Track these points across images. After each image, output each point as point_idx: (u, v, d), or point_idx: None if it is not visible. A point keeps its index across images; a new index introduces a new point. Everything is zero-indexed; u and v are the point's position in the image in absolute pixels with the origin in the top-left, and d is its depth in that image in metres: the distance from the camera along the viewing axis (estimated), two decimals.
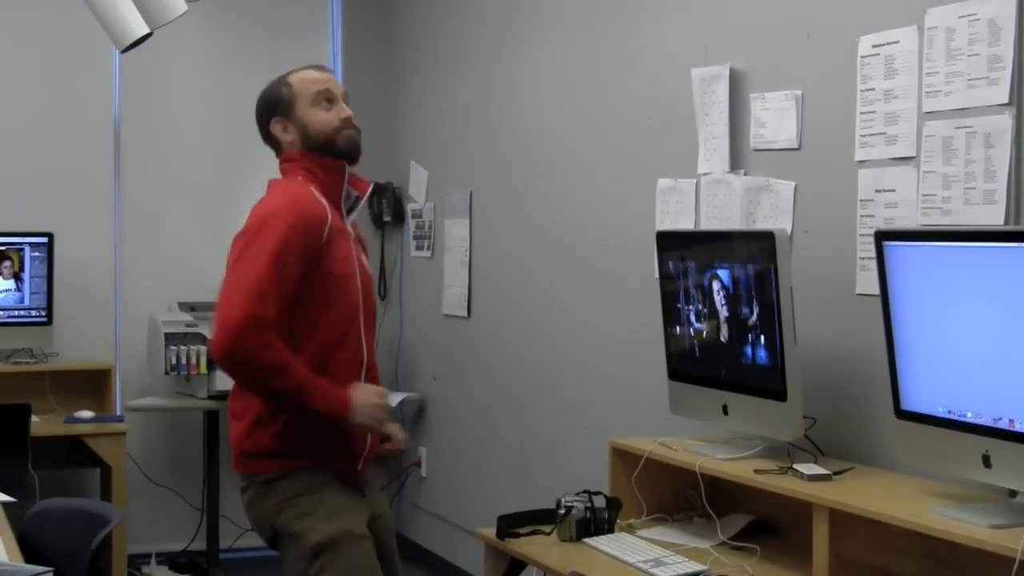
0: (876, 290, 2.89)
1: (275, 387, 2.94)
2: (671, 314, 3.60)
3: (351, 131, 3.12)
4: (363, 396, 2.99)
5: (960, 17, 2.99)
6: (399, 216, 6.28)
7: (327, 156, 3.10)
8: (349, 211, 3.17)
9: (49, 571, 2.75)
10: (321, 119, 3.11)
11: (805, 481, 2.99)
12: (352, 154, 3.14)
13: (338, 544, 2.97)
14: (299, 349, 2.96)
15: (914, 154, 3.12)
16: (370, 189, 3.23)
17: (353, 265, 3.10)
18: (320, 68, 3.21)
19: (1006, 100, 2.88)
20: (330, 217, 3.03)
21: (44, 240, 5.65)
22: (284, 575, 3.12)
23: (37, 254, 5.65)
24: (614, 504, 3.47)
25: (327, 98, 3.12)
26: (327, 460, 3.06)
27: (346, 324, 3.06)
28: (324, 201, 3.05)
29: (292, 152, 3.13)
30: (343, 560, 2.97)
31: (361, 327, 3.09)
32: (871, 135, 3.25)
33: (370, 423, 3.01)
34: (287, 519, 3.05)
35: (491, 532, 3.49)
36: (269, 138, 3.20)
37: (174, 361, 5.54)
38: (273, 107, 3.16)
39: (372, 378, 3.13)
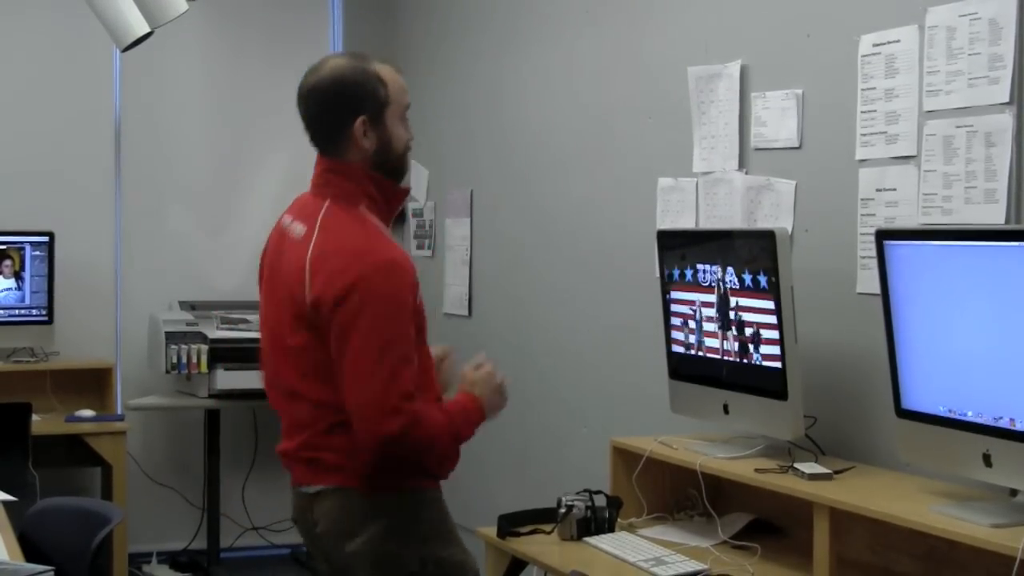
0: (877, 289, 2.89)
1: (437, 455, 2.75)
2: (672, 313, 3.60)
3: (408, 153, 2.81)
4: (480, 388, 2.82)
5: (961, 16, 2.99)
6: (400, 215, 6.26)
7: (390, 179, 2.75)
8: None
9: (50, 570, 2.75)
10: (401, 136, 2.74)
11: (806, 480, 2.99)
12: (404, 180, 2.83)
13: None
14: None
15: (915, 153, 3.12)
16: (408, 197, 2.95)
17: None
18: (400, 71, 2.79)
19: (1007, 99, 2.87)
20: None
21: (45, 239, 5.65)
22: None
23: (38, 253, 5.65)
24: (615, 503, 3.47)
25: (405, 114, 2.78)
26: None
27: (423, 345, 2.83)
28: (392, 238, 2.73)
29: (354, 168, 2.70)
30: None
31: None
32: (872, 134, 3.25)
33: (500, 403, 2.87)
34: (437, 548, 2.76)
35: (492, 531, 3.49)
36: (338, 132, 2.69)
37: (175, 360, 5.53)
38: (363, 102, 2.68)
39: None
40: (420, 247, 6.06)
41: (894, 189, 3.18)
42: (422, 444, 2.64)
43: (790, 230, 3.46)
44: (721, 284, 3.36)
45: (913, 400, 2.79)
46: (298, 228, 2.73)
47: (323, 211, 2.68)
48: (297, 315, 2.65)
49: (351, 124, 2.67)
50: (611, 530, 3.42)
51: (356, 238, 2.63)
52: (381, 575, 2.71)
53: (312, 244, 2.65)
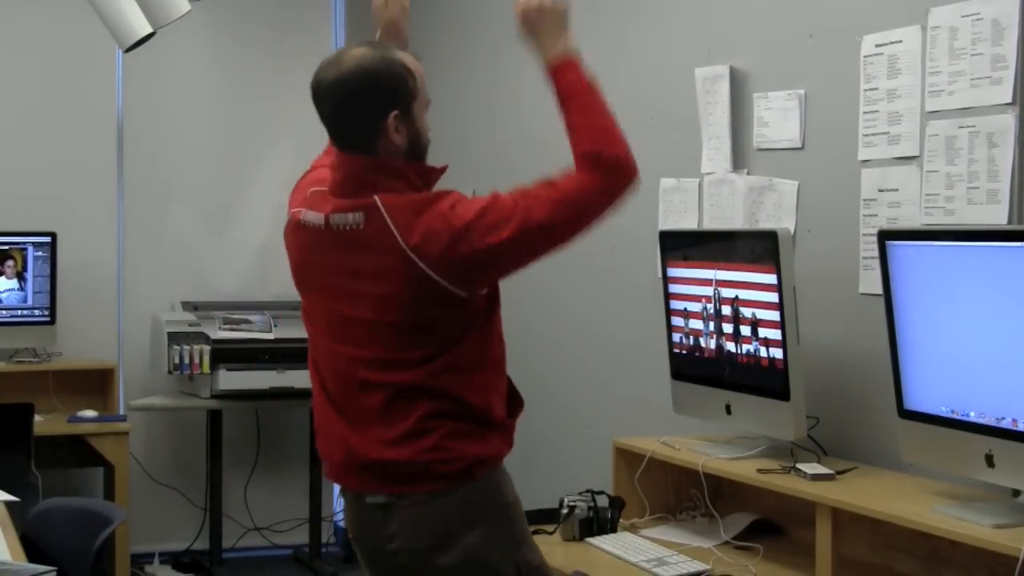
0: (879, 289, 2.89)
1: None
2: (674, 314, 3.60)
3: None
4: (545, 22, 2.69)
5: (963, 17, 2.98)
6: None
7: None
8: None
9: (52, 571, 2.75)
10: (426, 128, 2.64)
11: (808, 480, 2.99)
12: None
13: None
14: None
15: (917, 154, 3.12)
16: None
17: None
18: (420, 59, 2.64)
19: (1009, 100, 2.87)
20: None
21: (47, 240, 5.65)
22: None
23: (40, 254, 5.65)
24: (617, 503, 3.47)
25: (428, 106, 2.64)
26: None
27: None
28: None
29: (398, 164, 2.55)
30: None
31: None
32: (874, 134, 3.24)
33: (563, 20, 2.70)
34: (525, 552, 2.59)
35: None
36: (371, 128, 2.51)
37: (177, 360, 5.54)
38: (395, 97, 2.51)
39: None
40: None
41: (896, 189, 3.18)
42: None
43: (792, 230, 3.46)
44: (723, 285, 3.36)
45: (915, 400, 2.79)
46: (349, 218, 2.53)
47: (379, 199, 2.50)
48: (402, 284, 2.48)
49: (384, 119, 2.50)
50: (613, 530, 3.42)
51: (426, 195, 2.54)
52: None
53: (389, 221, 2.48)
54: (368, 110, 2.51)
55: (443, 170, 2.66)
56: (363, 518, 2.61)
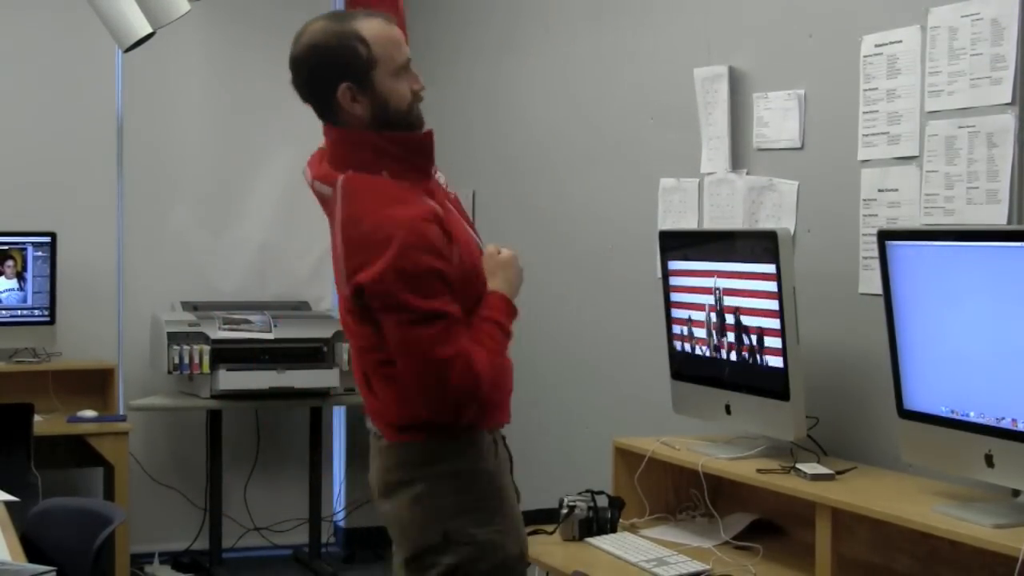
0: (879, 289, 2.89)
1: (502, 367, 2.62)
2: (673, 313, 3.60)
3: (419, 103, 2.61)
4: (502, 277, 2.63)
5: (963, 17, 2.99)
6: None
7: (405, 130, 2.58)
8: None
9: (52, 571, 2.75)
10: (401, 92, 2.55)
11: (808, 480, 2.99)
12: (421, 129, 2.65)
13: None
14: None
15: (917, 154, 3.12)
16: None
17: (463, 226, 2.69)
18: (390, 20, 2.59)
19: (1009, 100, 2.87)
20: (440, 212, 2.53)
21: (47, 240, 5.65)
22: None
23: (40, 254, 5.65)
24: (617, 503, 3.47)
25: (406, 67, 2.56)
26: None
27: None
28: (425, 198, 2.54)
29: (364, 135, 2.55)
30: None
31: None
32: (874, 135, 3.25)
33: (519, 279, 2.68)
34: (466, 524, 2.59)
35: None
36: (326, 102, 2.55)
37: (177, 360, 5.53)
38: (343, 68, 2.50)
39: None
40: None
41: (896, 190, 3.18)
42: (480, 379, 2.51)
43: (792, 230, 3.46)
44: (723, 285, 3.36)
45: (915, 400, 2.79)
46: (326, 189, 2.60)
47: (342, 181, 2.54)
48: None
49: (334, 93, 2.51)
50: (613, 530, 3.42)
51: (378, 206, 2.49)
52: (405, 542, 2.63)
53: (339, 210, 2.53)
54: (318, 86, 2.54)
55: (424, 137, 2.62)
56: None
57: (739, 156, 3.75)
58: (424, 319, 2.45)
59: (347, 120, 2.55)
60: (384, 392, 2.62)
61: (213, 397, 5.61)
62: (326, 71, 2.52)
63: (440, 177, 2.73)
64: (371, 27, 2.53)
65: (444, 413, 2.53)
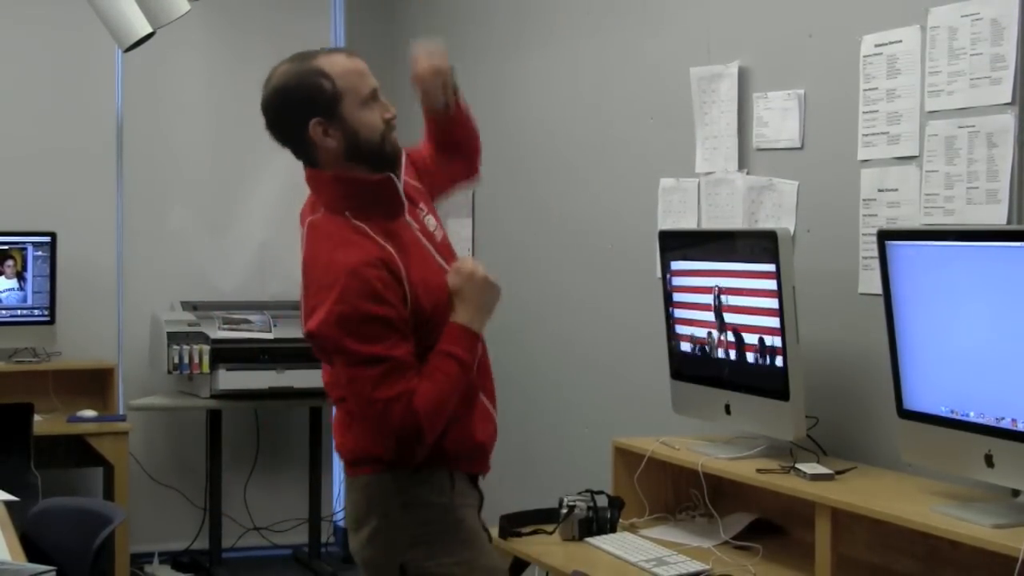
0: (879, 289, 2.89)
1: (452, 400, 2.62)
2: (673, 313, 3.60)
3: (394, 133, 2.65)
4: (466, 295, 2.65)
5: (963, 16, 2.98)
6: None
7: (369, 167, 2.61)
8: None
9: (51, 570, 2.75)
10: (371, 122, 2.59)
11: (807, 480, 2.99)
12: (396, 162, 2.68)
13: None
14: None
15: (917, 153, 3.12)
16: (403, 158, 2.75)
17: (434, 266, 2.70)
18: (353, 53, 2.65)
19: (1009, 100, 2.87)
20: (390, 255, 2.56)
21: (47, 239, 5.66)
22: None
23: (40, 253, 5.65)
24: (616, 503, 3.47)
25: (374, 96, 2.61)
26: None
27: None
28: (377, 240, 2.57)
29: (325, 177, 2.61)
30: None
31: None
32: (874, 134, 3.25)
33: (494, 297, 2.71)
34: (420, 557, 2.66)
35: (494, 531, 3.48)
36: (300, 140, 2.60)
37: (176, 360, 5.53)
38: (311, 105, 2.55)
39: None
40: None
41: (896, 189, 3.18)
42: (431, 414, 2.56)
43: (792, 230, 3.46)
44: (722, 285, 3.36)
45: (915, 400, 2.79)
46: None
47: (307, 225, 2.65)
48: None
49: (306, 130, 2.56)
50: (613, 530, 3.42)
51: (332, 258, 2.55)
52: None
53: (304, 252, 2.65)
54: (289, 126, 2.60)
55: (380, 181, 2.63)
56: None
57: (739, 156, 3.75)
58: (365, 362, 2.53)
59: (323, 157, 2.60)
60: (340, 426, 2.75)
61: (213, 397, 5.61)
62: (295, 111, 2.57)
63: (425, 217, 2.76)
64: (333, 62, 2.58)
65: (392, 451, 2.59)
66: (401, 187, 2.68)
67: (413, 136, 2.82)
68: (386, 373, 2.52)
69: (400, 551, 2.64)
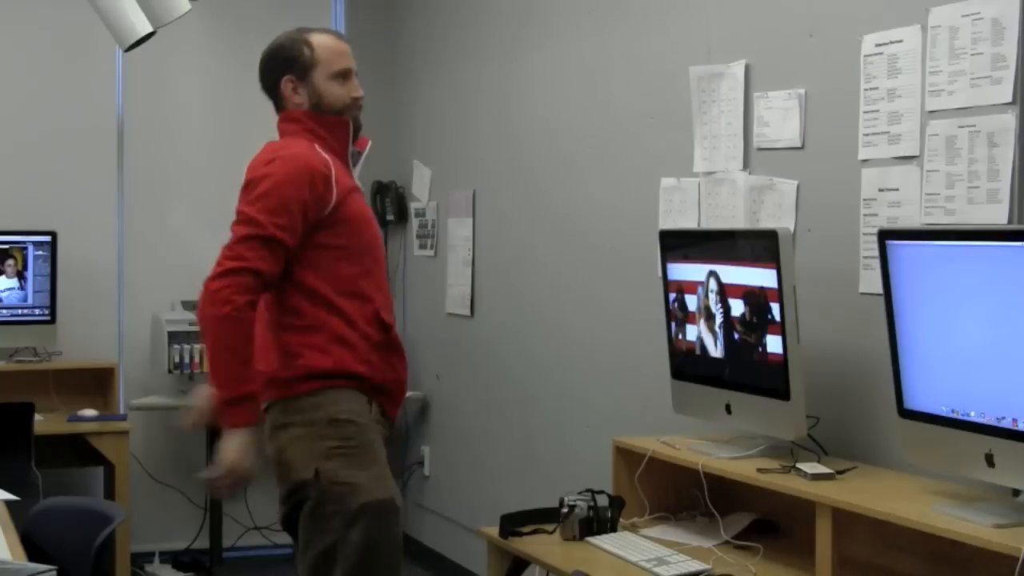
0: (879, 289, 2.88)
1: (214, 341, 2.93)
2: (674, 313, 3.60)
3: (358, 111, 3.14)
4: (234, 452, 2.89)
5: (963, 16, 2.98)
6: (402, 215, 6.28)
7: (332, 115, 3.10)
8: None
9: (52, 570, 2.75)
10: (336, 93, 3.09)
11: (808, 480, 2.99)
12: (356, 132, 3.16)
13: (385, 511, 2.94)
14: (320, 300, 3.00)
15: (917, 153, 3.12)
16: (369, 145, 3.24)
17: (371, 216, 3.16)
18: (341, 37, 3.20)
19: (1010, 99, 2.87)
20: (334, 170, 3.01)
21: (47, 239, 5.66)
22: (309, 528, 2.96)
23: (40, 253, 5.66)
24: (617, 503, 3.47)
25: (345, 75, 3.11)
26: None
27: (366, 276, 3.07)
28: (328, 157, 3.04)
29: (295, 112, 3.11)
30: (384, 529, 2.93)
31: (380, 279, 3.12)
32: (874, 134, 3.24)
33: (225, 466, 2.90)
34: (339, 467, 2.93)
35: (494, 531, 3.49)
36: (274, 92, 3.15)
37: (177, 360, 5.54)
38: (289, 64, 3.11)
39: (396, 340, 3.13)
40: (423, 247, 6.07)
41: (897, 189, 3.18)
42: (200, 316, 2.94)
43: (792, 230, 3.46)
44: (723, 284, 3.36)
45: (916, 400, 2.79)
46: None
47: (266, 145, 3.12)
48: None
49: (279, 84, 3.11)
50: (613, 530, 3.42)
51: (276, 146, 3.08)
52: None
53: None
54: (269, 77, 3.15)
55: (344, 121, 3.11)
56: None
57: (740, 156, 3.75)
58: (247, 221, 3.03)
59: (287, 107, 3.13)
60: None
61: None
62: (276, 65, 3.13)
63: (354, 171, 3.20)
64: (320, 37, 3.15)
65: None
66: (351, 146, 3.14)
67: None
68: (258, 241, 2.92)
69: (316, 458, 2.92)
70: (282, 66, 3.11)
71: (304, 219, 2.96)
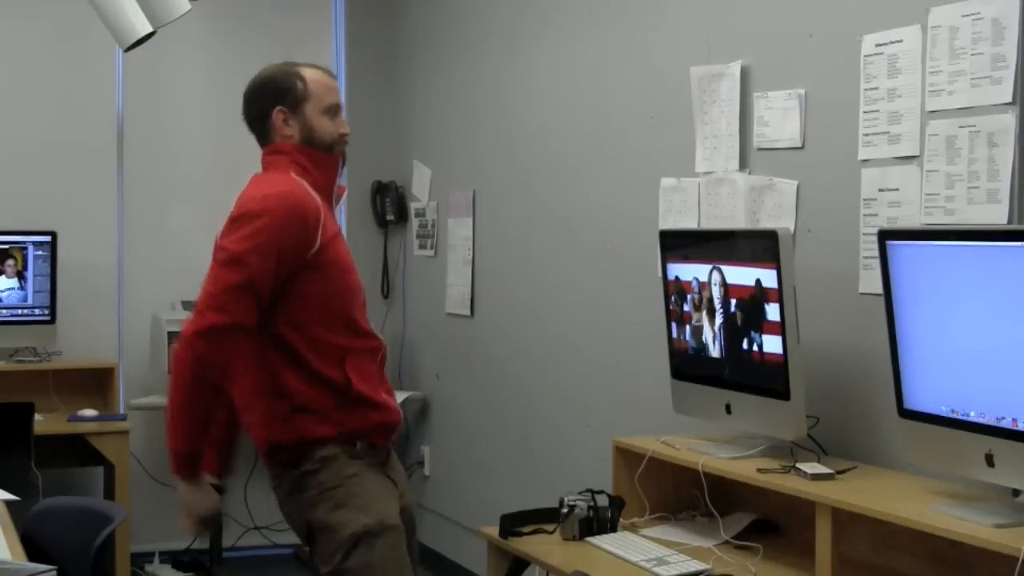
0: (879, 289, 2.89)
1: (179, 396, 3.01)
2: (674, 313, 3.60)
3: (344, 147, 3.11)
4: (189, 496, 3.17)
5: (964, 16, 2.98)
6: (402, 215, 6.28)
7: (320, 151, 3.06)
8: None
9: (52, 570, 2.75)
10: (327, 128, 3.05)
11: (808, 480, 2.99)
12: (341, 165, 3.13)
13: (373, 535, 2.94)
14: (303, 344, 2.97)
15: (917, 153, 3.12)
16: (345, 194, 3.20)
17: (350, 263, 3.07)
18: (331, 74, 3.15)
19: (1009, 99, 2.87)
20: (323, 212, 2.97)
21: (47, 239, 5.66)
22: (319, 566, 3.03)
23: (40, 253, 5.66)
24: (617, 503, 3.47)
25: (335, 111, 3.08)
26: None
27: (350, 315, 3.03)
28: (317, 196, 2.99)
29: (283, 144, 3.04)
30: (376, 552, 2.94)
31: (364, 316, 3.09)
32: (874, 134, 3.24)
33: (186, 510, 3.19)
34: (322, 513, 2.98)
35: (494, 531, 3.49)
36: (261, 124, 3.08)
37: None
38: (280, 96, 3.05)
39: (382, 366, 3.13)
40: (422, 247, 6.07)
41: (897, 189, 3.18)
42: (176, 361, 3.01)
43: (792, 230, 3.46)
44: (723, 284, 3.36)
45: (916, 400, 2.79)
46: None
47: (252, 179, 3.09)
48: None
49: (270, 115, 3.04)
50: (613, 530, 3.42)
51: (265, 183, 3.01)
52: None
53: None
54: (259, 107, 3.08)
55: (334, 159, 3.07)
56: None
57: (740, 156, 3.75)
58: (230, 262, 2.93)
59: (276, 139, 3.06)
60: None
61: None
62: (267, 97, 3.06)
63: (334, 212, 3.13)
64: (311, 71, 3.08)
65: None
66: (336, 184, 3.09)
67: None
68: (246, 292, 2.86)
69: (304, 511, 3.03)
70: (272, 97, 3.05)
71: (288, 264, 2.91)
